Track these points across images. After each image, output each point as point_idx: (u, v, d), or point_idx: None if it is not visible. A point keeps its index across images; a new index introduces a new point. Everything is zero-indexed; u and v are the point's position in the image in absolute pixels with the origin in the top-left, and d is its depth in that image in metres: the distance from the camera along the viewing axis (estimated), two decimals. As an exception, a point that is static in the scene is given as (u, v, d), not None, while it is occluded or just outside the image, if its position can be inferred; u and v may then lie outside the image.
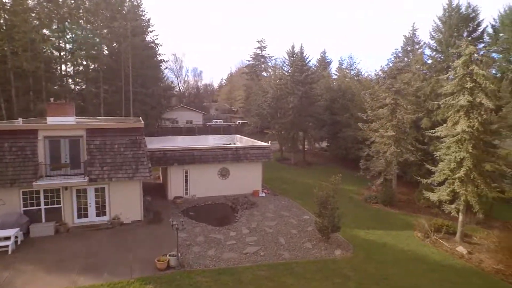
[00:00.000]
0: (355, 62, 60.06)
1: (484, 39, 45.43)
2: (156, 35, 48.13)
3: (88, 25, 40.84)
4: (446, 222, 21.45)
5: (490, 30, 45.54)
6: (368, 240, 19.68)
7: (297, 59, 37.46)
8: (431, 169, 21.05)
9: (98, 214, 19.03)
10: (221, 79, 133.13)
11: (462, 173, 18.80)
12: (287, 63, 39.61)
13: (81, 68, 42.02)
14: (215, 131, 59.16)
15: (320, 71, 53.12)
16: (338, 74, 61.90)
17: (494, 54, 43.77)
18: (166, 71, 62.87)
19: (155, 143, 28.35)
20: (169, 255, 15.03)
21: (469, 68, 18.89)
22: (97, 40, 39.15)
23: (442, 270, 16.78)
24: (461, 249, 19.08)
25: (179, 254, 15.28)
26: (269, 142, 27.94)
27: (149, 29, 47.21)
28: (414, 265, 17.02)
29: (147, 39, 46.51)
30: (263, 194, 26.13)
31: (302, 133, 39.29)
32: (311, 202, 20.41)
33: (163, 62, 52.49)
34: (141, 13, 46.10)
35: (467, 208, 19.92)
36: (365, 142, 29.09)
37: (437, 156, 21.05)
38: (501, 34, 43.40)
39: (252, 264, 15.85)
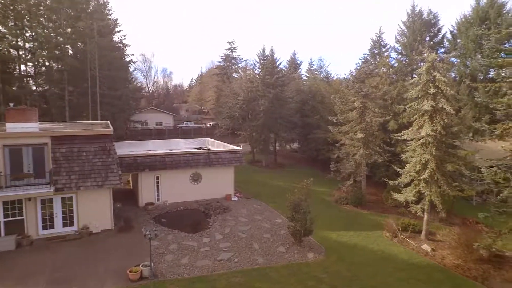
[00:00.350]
0: (324, 65, 61.23)
1: (444, 44, 47.88)
2: (124, 35, 46.88)
3: (50, 24, 39.03)
4: (413, 221, 22.33)
5: (449, 36, 48.01)
6: (339, 241, 20.16)
7: (268, 62, 37.76)
8: (398, 171, 21.84)
9: (65, 225, 18.28)
10: (191, 79, 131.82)
11: (426, 175, 19.67)
12: (258, 66, 39.82)
13: (43, 68, 40.13)
14: (186, 133, 58.50)
15: (291, 73, 53.76)
16: (308, 75, 62.96)
17: (453, 59, 46.09)
18: (134, 72, 61.41)
19: (125, 148, 27.63)
20: (142, 265, 14.72)
21: (432, 75, 19.80)
22: (61, 39, 37.54)
23: (409, 268, 17.46)
24: (426, 247, 19.96)
25: (152, 264, 15.00)
26: (241, 146, 27.94)
27: (116, 29, 45.93)
28: (384, 265, 17.61)
29: (114, 39, 45.21)
30: (236, 198, 26.12)
31: (273, 135, 39.60)
32: (283, 205, 20.62)
33: (132, 63, 51.25)
34: (107, 12, 44.76)
35: (431, 207, 20.87)
36: (335, 144, 29.77)
37: (403, 158, 21.88)
38: (458, 40, 45.80)
39: (227, 270, 15.82)
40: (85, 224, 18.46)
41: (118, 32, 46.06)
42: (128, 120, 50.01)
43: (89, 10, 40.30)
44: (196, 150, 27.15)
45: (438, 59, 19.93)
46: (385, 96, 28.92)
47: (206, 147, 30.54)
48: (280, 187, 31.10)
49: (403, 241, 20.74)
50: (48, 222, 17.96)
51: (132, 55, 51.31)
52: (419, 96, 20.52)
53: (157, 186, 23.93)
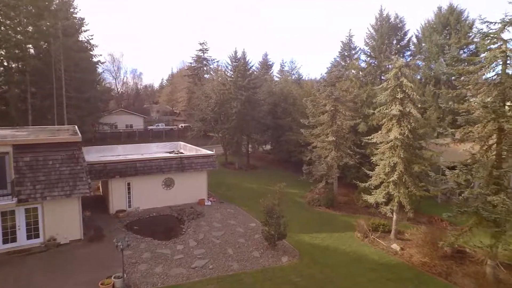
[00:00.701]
0: (296, 67, 61.99)
1: (410, 48, 49.77)
2: (91, 35, 45.05)
3: (8, 21, 36.88)
4: (382, 221, 23.04)
5: (415, 39, 49.97)
6: (312, 244, 20.48)
7: (240, 65, 37.72)
8: (368, 173, 22.46)
9: (29, 237, 17.38)
10: (162, 79, 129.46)
11: (395, 177, 20.38)
12: (230, 69, 39.72)
13: (1, 68, 37.95)
14: (157, 135, 57.44)
15: (262, 74, 54.02)
16: (280, 76, 63.46)
17: (418, 62, 48.02)
18: (103, 73, 59.57)
19: (93, 153, 26.73)
20: (114, 277, 14.33)
21: (399, 80, 20.52)
22: (21, 38, 35.68)
23: (379, 268, 18.00)
24: (395, 246, 20.67)
25: (125, 275, 14.62)
26: (214, 150, 27.75)
27: (82, 28, 44.23)
28: (356, 266, 18.05)
29: (81, 39, 43.54)
30: (209, 203, 25.94)
31: (246, 137, 39.64)
32: (257, 208, 20.68)
33: (100, 64, 49.64)
34: (73, 10, 43.03)
35: (399, 208, 21.63)
36: (307, 146, 30.20)
37: (373, 161, 22.53)
38: (423, 44, 47.77)
39: (201, 278, 15.69)
40: (51, 235, 17.67)
41: (84, 31, 44.42)
42: (96, 123, 48.40)
43: (53, 8, 38.51)
44: (169, 155, 26.68)
45: (405, 64, 20.63)
46: (355, 99, 29.65)
47: (178, 151, 30.12)
48: (253, 190, 31.20)
49: (373, 241, 21.37)
50: (9, 236, 16.99)
51: (100, 55, 49.57)
52: (388, 100, 21.20)
53: (129, 193, 23.34)
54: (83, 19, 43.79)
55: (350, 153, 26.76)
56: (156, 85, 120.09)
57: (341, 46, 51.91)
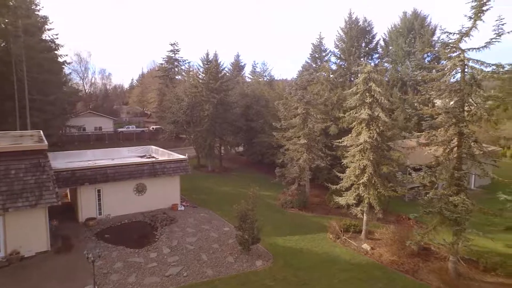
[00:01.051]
0: (268, 68, 62.38)
1: (378, 50, 51.48)
2: (56, 34, 43.31)
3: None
4: (353, 222, 23.67)
5: (382, 43, 51.72)
6: (286, 247, 20.75)
7: (212, 67, 37.52)
8: (339, 176, 23.01)
9: (-11, 251, 16.53)
10: (132, 79, 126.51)
11: (365, 179, 21.03)
12: (201, 71, 39.42)
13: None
14: (128, 138, 56.11)
15: (234, 76, 54.00)
16: (252, 77, 63.61)
17: (386, 64, 49.73)
18: (70, 74, 57.41)
19: (61, 159, 25.77)
20: (84, 290, 13.94)
21: (368, 85, 21.19)
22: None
23: (351, 268, 18.53)
24: (365, 246, 21.33)
25: (96, 287, 14.26)
26: (186, 154, 27.48)
27: (46, 26, 42.39)
28: (328, 267, 18.48)
29: (44, 39, 41.73)
30: (182, 207, 25.69)
31: (218, 140, 39.52)
32: (231, 212, 20.66)
33: (66, 64, 47.83)
34: (35, 8, 41.10)
35: (369, 208, 22.33)
36: (280, 148, 30.53)
37: (344, 163, 23.12)
38: (390, 47, 49.53)
39: (176, 286, 15.56)
40: (14, 248, 16.81)
41: (48, 30, 42.57)
42: (63, 126, 46.61)
43: (11, 4, 36.51)
44: (140, 160, 26.13)
45: (373, 70, 21.29)
46: (326, 102, 30.27)
47: (150, 155, 29.60)
48: (227, 193, 31.18)
49: (345, 242, 21.95)
50: (-33, 250, 16.14)
51: (66, 55, 47.50)
52: (357, 105, 21.83)
53: (99, 199, 22.68)
54: (46, 17, 41.98)
55: (321, 155, 27.31)
56: (126, 86, 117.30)
57: (312, 48, 52.98)
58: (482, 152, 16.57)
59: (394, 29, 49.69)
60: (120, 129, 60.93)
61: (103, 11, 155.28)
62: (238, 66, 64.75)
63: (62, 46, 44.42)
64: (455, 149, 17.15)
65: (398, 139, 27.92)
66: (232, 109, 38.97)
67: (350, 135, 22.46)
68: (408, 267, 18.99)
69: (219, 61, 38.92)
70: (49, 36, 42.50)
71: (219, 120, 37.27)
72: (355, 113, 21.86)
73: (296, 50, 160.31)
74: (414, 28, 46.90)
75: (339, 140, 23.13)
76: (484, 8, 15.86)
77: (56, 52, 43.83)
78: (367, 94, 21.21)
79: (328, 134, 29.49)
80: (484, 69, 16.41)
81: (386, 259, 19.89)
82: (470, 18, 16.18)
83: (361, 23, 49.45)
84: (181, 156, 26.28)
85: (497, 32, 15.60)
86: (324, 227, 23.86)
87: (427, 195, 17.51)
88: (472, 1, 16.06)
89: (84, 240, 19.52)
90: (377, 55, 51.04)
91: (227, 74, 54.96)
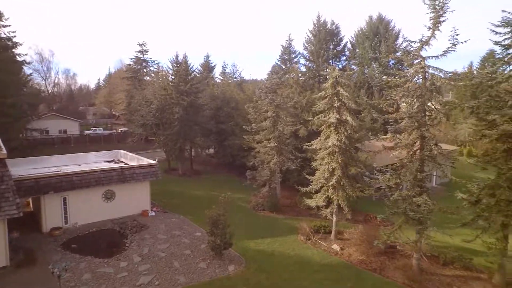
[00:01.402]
0: (237, 70, 62.42)
1: (346, 53, 52.83)
2: (14, 32, 40.85)
3: None
4: (323, 222, 24.28)
5: (349, 45, 53.11)
6: (258, 250, 20.95)
7: (182, 69, 37.09)
8: (309, 178, 23.49)
9: None
10: (99, 79, 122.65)
11: (334, 181, 21.63)
12: (171, 73, 38.86)
13: None
14: (95, 140, 54.38)
15: (204, 78, 53.64)
16: (221, 78, 63.44)
17: (353, 66, 51.15)
18: (30, 73, 54.73)
19: (23, 166, 24.60)
20: (50, 305, 13.45)
21: (336, 89, 21.78)
22: None
23: (322, 269, 19.01)
24: (335, 246, 21.94)
25: (62, 301, 13.81)
26: (156, 159, 27.07)
27: (1, 23, 40.01)
28: (300, 269, 18.88)
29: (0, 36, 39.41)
30: (153, 213, 25.30)
31: (189, 142, 39.14)
32: (202, 216, 20.48)
33: (25, 64, 45.46)
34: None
35: (338, 209, 22.98)
36: (250, 150, 30.70)
37: (313, 166, 23.63)
38: (357, 50, 50.98)
39: (147, 296, 15.37)
40: (-31, 265, 15.87)
41: (4, 27, 40.11)
42: (24, 129, 44.41)
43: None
44: (108, 167, 25.35)
45: (340, 75, 21.88)
46: (296, 105, 30.77)
47: (119, 160, 28.90)
48: (198, 197, 31.00)
49: (316, 243, 22.46)
50: None
51: (25, 54, 45.00)
52: (326, 108, 22.39)
53: (65, 208, 21.88)
54: (0, 12, 39.60)
55: (291, 158, 27.74)
56: (93, 86, 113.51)
57: (281, 50, 53.55)
58: (442, 154, 17.51)
59: (360, 32, 51.19)
60: (86, 132, 58.92)
61: (67, 7, 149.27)
62: (208, 67, 64.21)
63: (20, 44, 42.15)
64: (418, 152, 18.02)
65: (365, 140, 28.89)
66: (202, 111, 38.70)
67: (319, 138, 22.99)
68: (375, 266, 19.77)
69: (188, 63, 38.52)
70: (5, 34, 40.18)
71: (189, 123, 36.91)
72: (324, 116, 22.40)
73: (266, 50, 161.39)
74: (379, 32, 48.60)
75: (308, 143, 23.62)
76: (441, 19, 16.80)
77: (14, 50, 41.55)
78: (335, 98, 21.80)
79: (298, 136, 30.00)
80: (442, 76, 17.37)
81: (355, 259, 20.57)
82: (429, 28, 17.07)
83: (329, 26, 50.52)
84: (151, 161, 25.84)
85: (452, 42, 16.56)
86: (295, 229, 24.26)
87: (393, 196, 18.28)
88: (430, 13, 16.93)
89: (48, 252, 18.77)
90: (344, 58, 52.38)
91: (197, 75, 54.51)
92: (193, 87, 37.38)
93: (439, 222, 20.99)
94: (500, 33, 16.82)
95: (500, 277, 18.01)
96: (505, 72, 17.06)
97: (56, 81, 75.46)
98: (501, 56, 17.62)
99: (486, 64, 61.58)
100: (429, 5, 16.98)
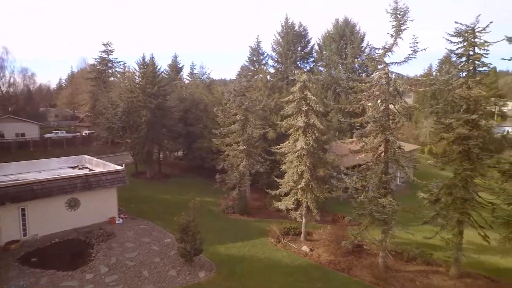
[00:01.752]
0: (206, 72, 61.85)
1: (313, 55, 53.82)
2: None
3: None
4: (293, 224, 24.56)
5: (317, 47, 54.15)
6: (229, 255, 20.90)
7: (149, 71, 36.25)
8: (278, 182, 23.70)
9: None
10: (60, 79, 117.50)
11: (303, 184, 21.98)
12: (137, 75, 37.87)
13: None
14: (57, 144, 51.94)
15: (172, 79, 52.74)
16: (190, 79, 62.52)
17: (321, 68, 52.19)
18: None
19: (-24, 175, 23.14)
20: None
21: (304, 93, 22.13)
22: None
23: (292, 272, 19.27)
24: (305, 248, 22.32)
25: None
26: (123, 165, 26.31)
27: None
28: (270, 272, 19.03)
29: None
30: (121, 220, 24.57)
31: (157, 145, 38.38)
32: (172, 222, 20.08)
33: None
34: None
35: (307, 211, 23.39)
36: (220, 153, 30.55)
37: (282, 169, 23.88)
38: (324, 52, 52.07)
39: (115, 308, 14.94)
40: None
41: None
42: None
43: None
44: (72, 174, 24.30)
45: (308, 79, 22.24)
46: (265, 107, 30.92)
47: (83, 166, 27.83)
48: (167, 201, 30.48)
49: (286, 245, 22.73)
50: None
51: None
52: (294, 112, 22.68)
53: (23, 219, 20.72)
54: None
55: (261, 161, 27.90)
56: (54, 86, 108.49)
57: (250, 51, 53.66)
58: (405, 157, 18.28)
59: (327, 35, 52.33)
60: (47, 135, 56.16)
61: (25, 3, 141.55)
62: (176, 68, 63.07)
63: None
64: (383, 154, 18.69)
65: (333, 141, 29.56)
66: (170, 114, 38.03)
67: (287, 141, 23.26)
68: (344, 266, 20.33)
69: (156, 64, 37.71)
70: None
71: (157, 126, 36.17)
72: (292, 120, 22.70)
73: (235, 49, 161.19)
74: (345, 35, 49.90)
75: (277, 147, 23.85)
76: (402, 28, 17.52)
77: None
78: (303, 102, 22.13)
79: (267, 139, 30.20)
80: (403, 81, 18.14)
81: (324, 259, 21.03)
82: (392, 36, 17.74)
83: (297, 28, 51.23)
84: (118, 167, 25.07)
85: (413, 49, 17.33)
86: (265, 231, 24.44)
87: (359, 198, 18.86)
88: (393, 21, 17.61)
89: (4, 267, 17.63)
90: (312, 59, 53.31)
91: (165, 76, 53.47)
92: (161, 89, 36.65)
93: (403, 220, 21.94)
94: (454, 42, 17.77)
95: (456, 269, 19.23)
96: (459, 78, 18.03)
97: (11, 80, 71.25)
98: (455, 64, 18.63)
99: (443, 66, 65.02)
100: (391, 13, 17.67)
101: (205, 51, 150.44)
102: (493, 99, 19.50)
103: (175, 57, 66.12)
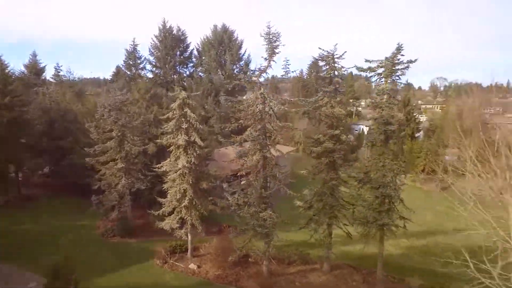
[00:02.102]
0: (75, 78, 55.28)
1: (193, 60, 53.54)
2: None
3: None
4: (179, 242, 23.90)
5: (196, 52, 54.02)
6: (111, 287, 19.29)
7: (-3, 77, 30.38)
8: (161, 202, 22.75)
9: None
10: None
11: (186, 202, 21.64)
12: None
13: None
14: None
15: (32, 85, 45.57)
16: (55, 80, 54.73)
17: (201, 74, 52.29)
18: None
19: None
20: None
21: (184, 110, 21.69)
22: None
23: (181, 294, 18.95)
24: (192, 266, 22.14)
25: None
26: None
27: None
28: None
29: None
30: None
31: (13, 165, 32.68)
32: (39, 259, 17.30)
33: None
34: None
35: (192, 227, 23.16)
36: (95, 171, 27.70)
37: (164, 188, 23.02)
38: (204, 57, 52.32)
39: None
40: None
41: None
42: None
43: None
44: None
45: (187, 96, 21.84)
46: (144, 121, 29.23)
47: None
48: (31, 231, 26.11)
49: (173, 265, 22.16)
50: None
51: None
52: (174, 130, 22.05)
53: None
54: None
55: (141, 178, 26.42)
56: None
57: (125, 55, 50.24)
58: (281, 172, 19.71)
59: (206, 40, 52.61)
60: None
61: None
62: (35, 69, 53.59)
63: None
64: (262, 171, 19.74)
65: (215, 147, 29.88)
66: (31, 128, 32.67)
67: (168, 159, 22.51)
68: (231, 278, 20.97)
69: (9, 69, 31.76)
70: None
71: (12, 142, 30.64)
72: (172, 138, 22.05)
73: (114, 45, 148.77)
74: (224, 41, 50.95)
75: (157, 166, 22.95)
76: (276, 51, 18.74)
77: None
78: (183, 119, 21.67)
79: (147, 153, 28.69)
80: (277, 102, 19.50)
81: (212, 275, 21.28)
82: (266, 59, 18.82)
83: (175, 32, 50.06)
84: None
85: (285, 71, 18.76)
86: (150, 253, 23.31)
87: (241, 213, 19.61)
88: (266, 44, 18.67)
89: None
90: (192, 64, 52.96)
91: (22, 79, 45.86)
92: (15, 99, 31.01)
93: (284, 226, 23.69)
94: (320, 65, 19.90)
95: (327, 265, 22.12)
96: (324, 98, 20.27)
97: None
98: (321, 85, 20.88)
99: (312, 71, 72.33)
100: (264, 37, 18.67)
101: (67, 39, 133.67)
102: (351, 100, 22.64)
103: (34, 55, 55.96)
